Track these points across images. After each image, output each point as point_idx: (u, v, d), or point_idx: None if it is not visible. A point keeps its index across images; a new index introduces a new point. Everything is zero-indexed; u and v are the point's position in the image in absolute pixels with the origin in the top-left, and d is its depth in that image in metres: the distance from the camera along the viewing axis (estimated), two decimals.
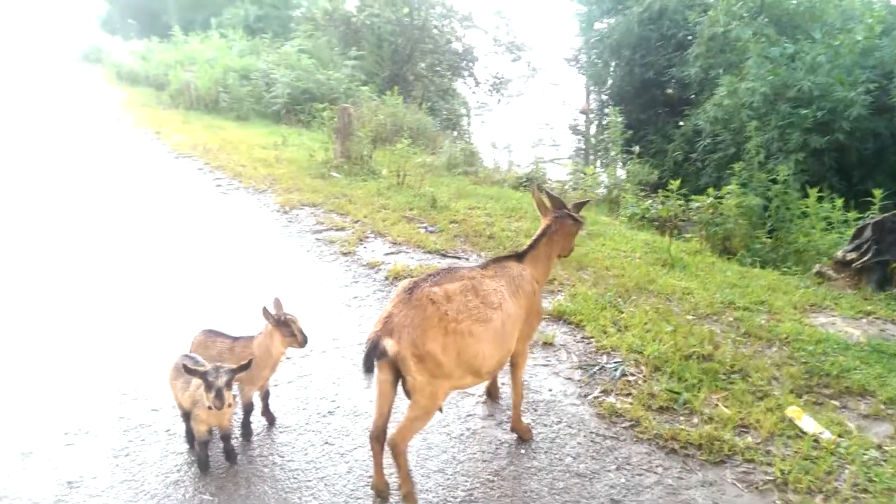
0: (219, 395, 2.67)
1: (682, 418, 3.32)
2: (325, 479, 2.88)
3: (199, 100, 14.74)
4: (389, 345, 2.48)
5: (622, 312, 4.49)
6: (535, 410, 3.45)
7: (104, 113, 13.83)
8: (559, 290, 5.01)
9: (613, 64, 17.49)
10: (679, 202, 7.01)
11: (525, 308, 2.91)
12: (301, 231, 6.37)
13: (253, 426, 3.18)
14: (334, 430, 3.23)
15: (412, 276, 2.90)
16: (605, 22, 18.11)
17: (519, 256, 3.06)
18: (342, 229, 6.41)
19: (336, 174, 8.49)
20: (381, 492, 2.75)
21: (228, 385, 2.71)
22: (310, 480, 2.87)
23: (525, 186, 9.10)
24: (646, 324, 4.26)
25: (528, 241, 3.17)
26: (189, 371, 2.72)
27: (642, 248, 6.10)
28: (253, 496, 2.76)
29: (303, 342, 3.00)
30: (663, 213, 7.25)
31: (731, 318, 4.49)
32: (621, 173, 10.73)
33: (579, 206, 3.30)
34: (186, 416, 2.95)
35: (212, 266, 5.36)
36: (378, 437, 2.65)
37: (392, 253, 5.79)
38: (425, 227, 6.54)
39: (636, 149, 10.03)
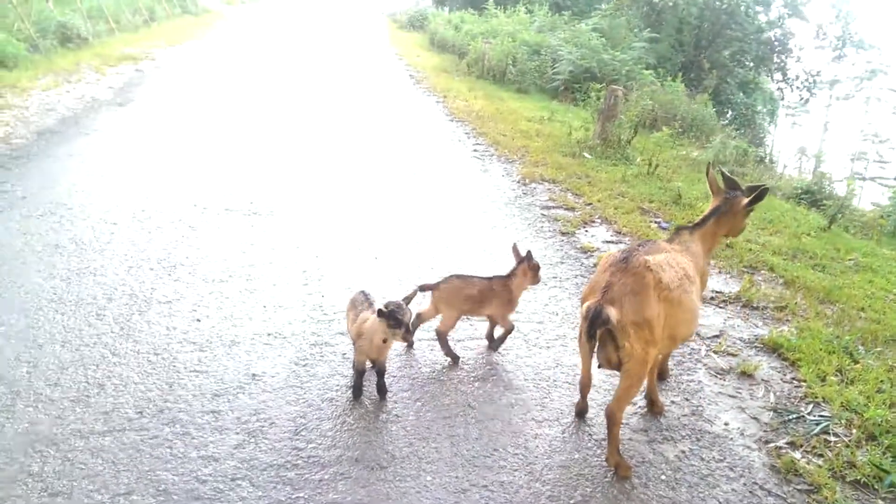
0: (408, 330, 2.97)
1: (880, 502, 2.64)
2: (453, 438, 2.98)
3: (489, 70, 15.54)
4: (612, 313, 2.54)
5: (857, 362, 3.68)
6: (698, 441, 3.06)
7: (407, 74, 15.51)
8: (787, 319, 4.28)
9: None
10: None
11: (699, 282, 2.92)
12: (531, 204, 6.43)
13: (416, 370, 3.42)
14: (480, 396, 3.30)
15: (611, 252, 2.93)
16: None
17: (691, 230, 3.06)
18: (571, 209, 6.32)
19: (587, 155, 8.32)
20: (581, 411, 3.17)
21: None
22: (440, 435, 2.99)
23: (801, 199, 7.80)
24: (881, 382, 3.42)
25: (700, 217, 3.18)
26: (381, 314, 2.94)
27: None
28: (385, 432, 2.99)
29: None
30: None
31: None
32: None
33: (754, 189, 3.15)
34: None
35: (437, 218, 5.76)
36: (586, 385, 3.08)
37: (611, 241, 5.54)
38: (659, 223, 6.09)
39: None
